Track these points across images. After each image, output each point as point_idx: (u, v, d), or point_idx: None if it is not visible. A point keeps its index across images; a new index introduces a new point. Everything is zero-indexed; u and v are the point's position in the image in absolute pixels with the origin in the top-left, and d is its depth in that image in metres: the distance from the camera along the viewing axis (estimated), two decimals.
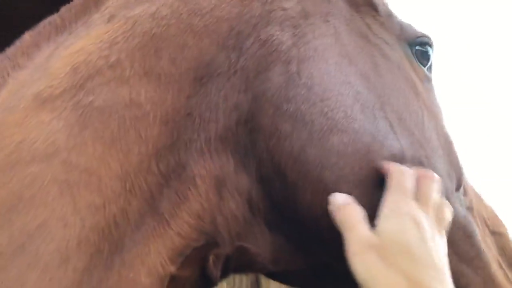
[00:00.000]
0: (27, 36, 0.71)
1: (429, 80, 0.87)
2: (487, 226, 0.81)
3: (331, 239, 0.65)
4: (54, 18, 0.73)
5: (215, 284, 0.70)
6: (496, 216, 0.85)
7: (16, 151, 0.60)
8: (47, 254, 0.55)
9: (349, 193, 0.64)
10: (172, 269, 0.63)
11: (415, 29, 0.86)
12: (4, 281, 0.53)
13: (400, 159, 0.68)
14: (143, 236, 0.61)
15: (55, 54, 0.68)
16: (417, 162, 0.70)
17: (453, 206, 0.72)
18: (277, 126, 0.67)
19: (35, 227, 0.56)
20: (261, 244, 0.69)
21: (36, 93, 0.64)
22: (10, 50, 0.70)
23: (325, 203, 0.65)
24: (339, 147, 0.66)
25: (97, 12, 0.72)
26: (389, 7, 0.85)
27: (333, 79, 0.70)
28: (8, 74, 0.68)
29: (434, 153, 0.74)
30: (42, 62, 0.68)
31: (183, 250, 0.63)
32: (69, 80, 0.65)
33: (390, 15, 0.84)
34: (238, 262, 0.69)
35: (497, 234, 0.82)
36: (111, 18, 0.70)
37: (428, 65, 0.86)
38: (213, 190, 0.65)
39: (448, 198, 0.72)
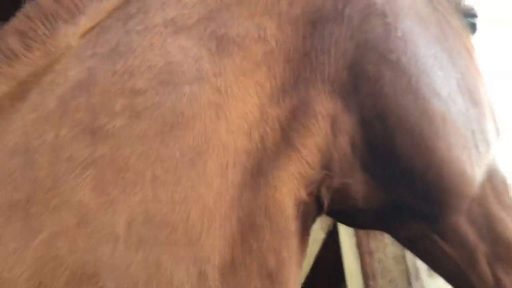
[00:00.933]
0: None
1: (475, 50, 0.93)
2: None
3: (420, 180, 0.73)
4: None
5: (323, 212, 0.76)
6: None
7: (165, 71, 0.65)
8: (213, 170, 0.61)
9: (438, 136, 0.72)
10: (304, 195, 0.69)
11: (465, 2, 0.94)
12: (181, 192, 0.58)
13: (464, 114, 0.77)
14: (282, 162, 0.66)
15: None
16: (477, 119, 0.79)
17: (496, 162, 0.83)
18: (382, 73, 0.73)
19: (201, 143, 0.61)
20: (357, 182, 0.74)
21: (170, 19, 0.69)
22: None
23: (420, 145, 0.72)
24: (428, 97, 0.74)
25: None
26: None
27: (419, 37, 0.78)
28: None
29: (486, 112, 0.83)
30: None
31: (311, 179, 0.69)
32: (201, 10, 0.71)
33: None
34: (338, 196, 0.75)
35: None
36: None
37: (473, 36, 0.95)
38: (329, 128, 0.71)
39: (494, 152, 0.81)
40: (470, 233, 0.76)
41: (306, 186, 0.69)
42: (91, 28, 0.73)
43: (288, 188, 0.66)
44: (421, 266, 1.70)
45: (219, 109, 0.64)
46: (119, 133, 0.60)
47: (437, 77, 0.76)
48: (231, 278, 0.58)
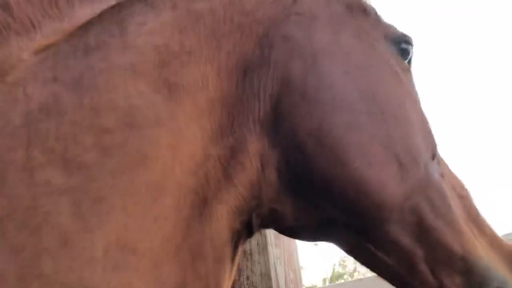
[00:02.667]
0: None
1: (409, 71, 1.04)
2: (455, 190, 0.97)
3: (339, 196, 0.84)
4: None
5: (253, 235, 0.89)
6: (461, 182, 1.02)
7: (129, 114, 0.72)
8: (171, 205, 0.71)
9: (354, 158, 0.83)
10: (238, 225, 0.81)
11: (397, 30, 1.04)
12: (146, 223, 0.68)
13: (385, 136, 0.86)
14: (223, 197, 0.78)
15: (130, 29, 0.79)
16: (401, 138, 0.88)
17: (430, 173, 0.91)
18: (301, 109, 0.85)
19: (161, 181, 0.71)
20: (285, 205, 0.86)
21: (130, 63, 0.76)
22: None
23: (335, 167, 0.83)
24: (343, 125, 0.85)
25: None
26: (377, 11, 1.04)
27: (338, 71, 0.89)
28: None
29: (414, 130, 0.91)
30: (115, 32, 0.79)
31: (244, 210, 0.81)
32: (155, 58, 0.78)
33: (378, 17, 1.03)
34: (268, 220, 0.87)
35: (462, 197, 0.98)
36: (174, 7, 0.84)
37: (408, 59, 1.04)
38: (259, 164, 0.83)
39: (425, 166, 0.90)
40: (404, 241, 0.83)
41: (239, 216, 0.81)
42: (46, 47, 0.76)
43: (228, 220, 0.78)
44: (283, 283, 1.94)
45: (175, 151, 0.73)
46: (91, 166, 0.67)
47: (355, 105, 0.85)
48: None
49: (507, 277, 0.86)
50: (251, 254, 1.94)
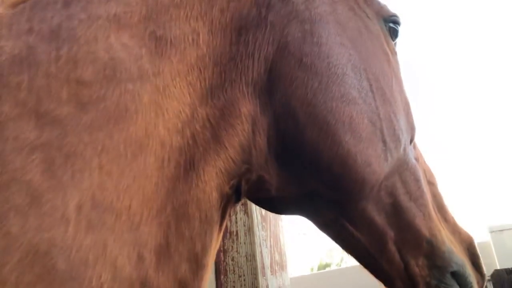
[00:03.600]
0: None
1: (396, 53, 1.04)
2: (425, 176, 1.00)
3: (325, 168, 0.83)
4: None
5: (240, 201, 0.86)
6: (430, 169, 1.06)
7: (109, 66, 0.68)
8: (152, 163, 0.67)
9: (344, 131, 0.82)
10: (227, 188, 0.78)
11: (389, 9, 1.04)
12: (124, 182, 0.64)
13: (373, 112, 0.86)
14: (211, 158, 0.74)
15: None
16: (387, 117, 0.88)
17: (408, 155, 0.93)
18: (297, 75, 0.82)
19: (142, 138, 0.67)
20: (271, 174, 0.84)
21: (113, 14, 0.72)
22: None
23: (325, 139, 0.81)
24: (337, 96, 0.83)
25: None
26: None
27: (334, 41, 0.87)
28: None
29: (398, 110, 0.93)
30: None
31: (234, 174, 0.78)
32: (142, 10, 0.75)
33: None
34: (255, 187, 0.85)
35: (431, 183, 1.02)
36: None
37: (395, 41, 1.05)
38: (250, 127, 0.79)
39: (405, 148, 0.91)
40: (378, 220, 0.86)
41: (229, 180, 0.78)
42: (24, 0, 0.72)
43: (216, 182, 0.75)
44: (268, 264, 1.93)
45: (158, 107, 0.70)
46: (67, 121, 0.63)
47: (348, 78, 0.84)
48: (165, 261, 0.66)
49: (465, 261, 0.92)
50: (237, 235, 1.92)
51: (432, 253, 0.88)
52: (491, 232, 5.13)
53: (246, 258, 1.86)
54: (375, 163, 0.84)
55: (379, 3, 1.02)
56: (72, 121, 0.63)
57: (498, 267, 3.86)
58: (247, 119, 0.79)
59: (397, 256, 0.88)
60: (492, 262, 4.70)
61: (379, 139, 0.85)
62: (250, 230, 1.91)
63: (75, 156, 0.61)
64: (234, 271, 1.86)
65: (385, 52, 0.97)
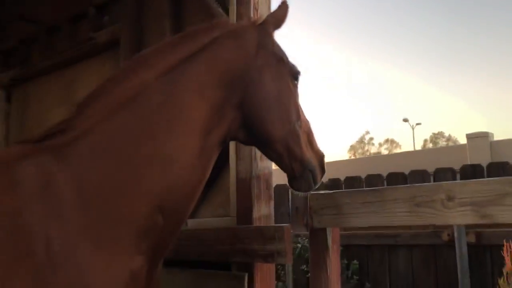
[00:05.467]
0: None
1: (297, 86, 1.90)
2: (305, 128, 1.87)
3: (260, 134, 1.76)
4: None
5: (225, 144, 1.84)
6: (308, 122, 1.92)
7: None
8: (200, 126, 1.62)
9: (268, 122, 1.73)
10: (221, 140, 1.70)
11: (296, 67, 1.90)
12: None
13: (283, 114, 1.75)
14: (217, 129, 1.66)
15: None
16: (286, 114, 1.76)
17: (295, 127, 1.79)
18: (250, 106, 1.72)
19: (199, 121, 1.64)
20: (240, 135, 1.78)
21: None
22: None
23: (261, 126, 1.72)
24: (267, 110, 1.73)
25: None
26: (289, 57, 1.85)
27: (272, 96, 1.75)
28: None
29: (291, 111, 1.79)
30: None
31: (225, 135, 1.71)
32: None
33: (288, 61, 1.86)
34: (233, 139, 1.85)
35: (306, 131, 1.88)
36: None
37: (297, 82, 1.92)
38: (231, 120, 1.71)
39: (294, 124, 1.78)
40: (281, 151, 1.77)
41: (223, 137, 1.70)
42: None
43: (218, 137, 1.67)
44: None
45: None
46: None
47: (272, 103, 1.73)
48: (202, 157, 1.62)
49: (315, 166, 1.85)
50: None
51: (302, 162, 1.80)
52: None
53: None
54: (279, 131, 1.74)
55: (292, 65, 1.88)
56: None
57: None
58: (231, 118, 1.70)
59: (289, 164, 1.81)
60: None
61: (283, 123, 1.76)
62: None
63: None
64: None
65: (292, 91, 1.85)
